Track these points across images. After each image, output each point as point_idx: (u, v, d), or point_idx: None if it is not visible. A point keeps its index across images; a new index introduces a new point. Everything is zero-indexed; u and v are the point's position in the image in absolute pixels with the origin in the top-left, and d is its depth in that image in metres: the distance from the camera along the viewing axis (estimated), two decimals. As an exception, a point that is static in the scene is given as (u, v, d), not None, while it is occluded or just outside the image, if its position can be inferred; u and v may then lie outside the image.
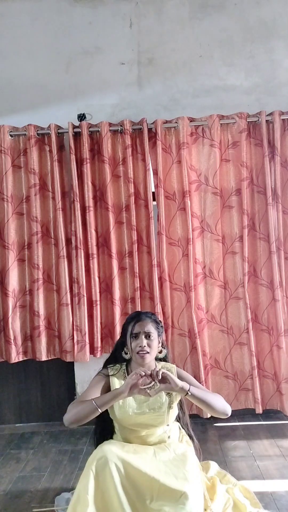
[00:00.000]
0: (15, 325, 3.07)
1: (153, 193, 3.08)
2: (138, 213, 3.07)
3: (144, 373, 1.81)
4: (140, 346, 1.97)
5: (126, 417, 1.93)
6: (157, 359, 2.11)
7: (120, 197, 3.08)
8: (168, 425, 2.01)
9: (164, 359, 2.14)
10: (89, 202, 3.02)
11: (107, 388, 2.00)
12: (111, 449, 1.79)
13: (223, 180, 3.08)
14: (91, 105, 3.20)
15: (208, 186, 3.07)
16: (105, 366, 2.13)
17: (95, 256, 3.04)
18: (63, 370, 3.27)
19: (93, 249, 3.03)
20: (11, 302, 3.03)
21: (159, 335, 2.06)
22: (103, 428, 2.07)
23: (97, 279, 3.05)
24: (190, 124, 3.04)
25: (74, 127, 3.02)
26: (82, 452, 2.80)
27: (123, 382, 1.96)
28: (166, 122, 3.04)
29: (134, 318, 2.06)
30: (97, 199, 3.09)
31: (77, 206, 3.01)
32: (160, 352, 2.08)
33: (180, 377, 1.96)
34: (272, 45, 3.18)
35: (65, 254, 3.03)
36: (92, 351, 3.07)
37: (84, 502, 1.71)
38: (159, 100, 3.21)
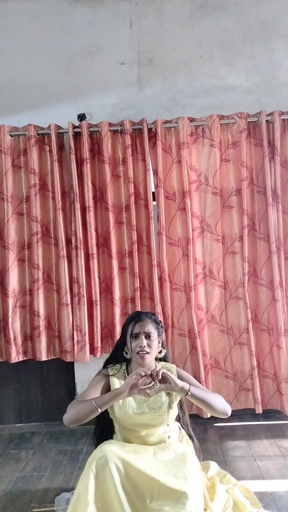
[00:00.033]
0: (15, 325, 3.07)
1: (153, 193, 3.08)
2: (138, 213, 3.07)
3: (144, 373, 1.81)
4: (140, 346, 1.97)
5: (126, 417, 1.93)
6: (157, 359, 2.11)
7: (120, 197, 3.08)
8: (168, 425, 2.01)
9: (164, 359, 2.14)
10: (89, 202, 3.02)
11: (107, 388, 2.00)
12: (111, 449, 1.79)
13: (223, 180, 3.08)
14: (91, 105, 3.20)
15: (208, 186, 3.07)
16: (105, 366, 2.13)
17: (95, 256, 3.04)
18: (63, 370, 3.27)
19: (93, 249, 3.03)
20: (11, 302, 3.03)
21: (159, 335, 2.06)
22: (103, 428, 2.07)
23: (97, 279, 3.05)
24: (190, 124, 3.04)
25: (74, 127, 3.02)
26: (82, 452, 2.80)
27: (123, 382, 1.96)
28: (166, 122, 3.04)
29: (134, 318, 2.06)
30: (97, 199, 3.09)
31: (77, 206, 3.01)
32: (160, 352, 2.08)
33: (180, 377, 1.96)
34: (272, 45, 3.18)
35: (65, 254, 3.03)
36: (92, 351, 3.07)
37: (84, 502, 1.71)
38: (159, 100, 3.21)
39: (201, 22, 3.20)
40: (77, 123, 3.09)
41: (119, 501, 1.70)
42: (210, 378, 3.08)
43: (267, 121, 3.01)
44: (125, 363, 2.10)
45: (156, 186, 3.04)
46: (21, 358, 3.11)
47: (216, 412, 1.95)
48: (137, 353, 1.97)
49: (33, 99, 3.21)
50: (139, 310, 2.98)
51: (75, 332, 3.04)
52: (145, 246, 3.07)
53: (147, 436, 1.96)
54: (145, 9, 3.21)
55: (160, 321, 2.13)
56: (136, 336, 2.00)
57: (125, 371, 2.07)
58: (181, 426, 2.16)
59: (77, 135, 3.04)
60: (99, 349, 3.06)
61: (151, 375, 1.83)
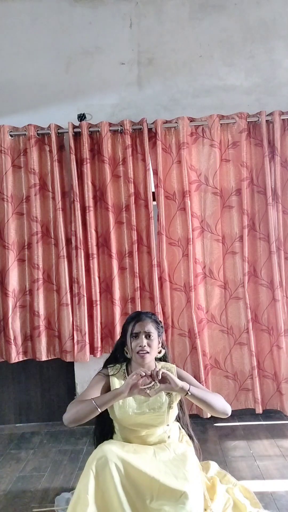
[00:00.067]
0: (15, 325, 3.07)
1: (153, 193, 3.08)
2: (138, 213, 3.07)
3: (144, 373, 1.81)
4: (140, 346, 1.97)
5: (126, 417, 1.93)
6: (157, 359, 2.11)
7: (120, 197, 3.08)
8: (168, 425, 2.01)
9: (164, 359, 2.14)
10: (89, 202, 3.02)
11: (107, 388, 2.00)
12: (111, 449, 1.79)
13: (223, 180, 3.08)
14: (91, 105, 3.20)
15: (208, 186, 3.07)
16: (105, 366, 2.13)
17: (95, 256, 3.04)
18: (63, 370, 3.27)
19: (93, 249, 3.03)
20: (11, 302, 3.03)
21: (159, 335, 2.06)
22: (103, 428, 2.07)
23: (97, 279, 3.05)
24: (190, 124, 3.04)
25: (74, 127, 3.02)
26: (82, 452, 2.80)
27: (123, 382, 1.96)
28: (166, 122, 3.04)
29: (134, 318, 2.06)
30: (97, 199, 3.09)
31: (77, 206, 3.01)
32: (160, 352, 2.08)
33: (180, 377, 1.96)
34: (272, 45, 3.18)
35: (65, 254, 3.03)
36: (92, 351, 3.07)
37: (84, 502, 1.71)
38: (159, 100, 3.21)
39: (201, 22, 3.20)
40: (77, 123, 3.09)
41: (119, 501, 1.70)
42: (210, 378, 3.08)
43: (267, 121, 3.01)
44: (125, 363, 2.10)
45: (156, 186, 3.04)
46: (21, 358, 3.11)
47: (216, 412, 1.95)
48: (137, 352, 1.97)
49: (33, 99, 3.21)
50: (139, 310, 2.98)
51: (75, 332, 3.04)
52: (145, 246, 3.07)
53: (147, 436, 1.96)
54: (145, 9, 3.21)
55: (160, 321, 2.13)
56: (136, 336, 2.00)
57: (125, 371, 2.07)
58: (181, 426, 2.16)
59: (77, 135, 3.05)
60: (99, 349, 3.06)
61: (151, 375, 1.83)
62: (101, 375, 2.05)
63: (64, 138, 3.11)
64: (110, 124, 3.05)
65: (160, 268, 3.04)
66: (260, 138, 3.02)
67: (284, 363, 3.00)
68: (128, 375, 2.01)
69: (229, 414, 1.98)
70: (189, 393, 1.86)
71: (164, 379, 1.83)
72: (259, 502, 2.12)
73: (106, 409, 1.90)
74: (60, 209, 3.02)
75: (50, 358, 3.12)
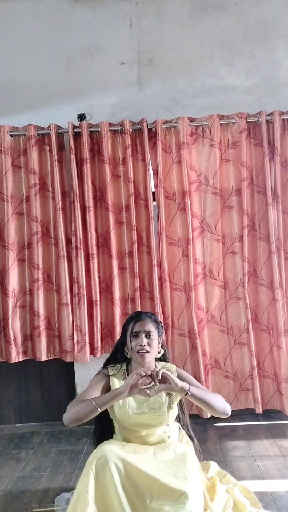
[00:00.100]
0: (15, 325, 3.06)
1: (153, 193, 3.08)
2: (138, 213, 3.07)
3: (144, 373, 1.81)
4: (140, 345, 1.97)
5: (126, 417, 1.93)
6: (157, 359, 2.11)
7: (120, 197, 3.08)
8: (168, 425, 2.01)
9: (164, 359, 2.14)
10: (89, 202, 3.02)
11: (107, 388, 2.00)
12: (111, 449, 1.79)
13: (223, 180, 3.08)
14: (91, 105, 3.20)
15: (208, 186, 3.07)
16: (105, 366, 2.13)
17: (95, 256, 3.04)
18: (63, 370, 3.27)
19: (93, 249, 3.03)
20: (11, 302, 3.03)
21: (159, 335, 2.06)
22: (103, 428, 2.07)
23: (97, 279, 3.05)
24: (190, 124, 3.04)
25: (74, 127, 3.02)
26: (82, 452, 2.80)
27: (123, 382, 1.96)
28: (166, 122, 3.04)
29: (134, 317, 2.06)
30: (97, 199, 3.09)
31: (77, 206, 3.01)
32: (159, 352, 2.08)
33: (180, 377, 1.96)
34: (272, 45, 3.18)
35: (65, 254, 3.03)
36: (92, 351, 3.07)
37: (84, 502, 1.71)
38: (159, 100, 3.21)
39: (201, 22, 3.20)
40: (77, 123, 3.09)
41: (119, 500, 1.70)
42: (210, 378, 3.08)
43: (267, 121, 3.01)
44: (125, 363, 2.10)
45: (156, 186, 3.04)
46: (21, 358, 3.11)
47: (216, 412, 1.95)
48: (137, 352, 1.97)
49: (33, 99, 3.21)
50: (139, 310, 2.98)
51: (75, 332, 3.03)
52: (145, 246, 3.07)
53: (147, 436, 1.96)
54: (145, 9, 3.21)
55: (160, 321, 2.13)
56: (136, 335, 2.00)
57: (125, 371, 2.07)
58: (181, 426, 2.16)
59: (77, 135, 3.05)
60: (99, 349, 3.06)
61: (151, 375, 1.83)
62: (101, 375, 2.05)
63: (64, 138, 3.11)
64: (110, 124, 3.05)
65: (160, 268, 3.04)
66: (260, 138, 3.02)
67: (284, 363, 3.00)
68: (128, 375, 2.01)
69: (229, 414, 1.98)
70: (189, 393, 1.86)
71: (164, 379, 1.83)
72: (259, 502, 2.12)
73: (106, 409, 1.90)
74: (60, 209, 3.02)
75: (50, 358, 3.12)
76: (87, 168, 3.02)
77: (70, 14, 3.21)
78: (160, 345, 2.08)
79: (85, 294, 3.02)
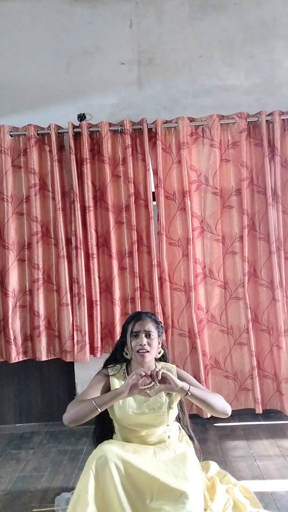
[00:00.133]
0: (15, 325, 3.06)
1: (153, 193, 3.08)
2: (138, 213, 3.07)
3: (144, 373, 1.81)
4: (140, 345, 1.97)
5: (126, 417, 1.93)
6: (157, 359, 2.11)
7: (120, 197, 3.08)
8: (168, 425, 2.01)
9: (164, 360, 2.14)
10: (89, 202, 3.02)
11: (107, 388, 2.00)
12: (111, 449, 1.79)
13: (223, 180, 3.08)
14: (91, 105, 3.20)
15: (208, 186, 3.07)
16: (105, 366, 2.13)
17: (95, 256, 3.04)
18: (63, 370, 3.27)
19: (93, 249, 3.03)
20: (11, 302, 3.03)
21: (159, 335, 2.06)
22: (103, 428, 2.07)
23: (97, 279, 3.05)
24: (190, 124, 3.04)
25: (74, 127, 3.02)
26: (82, 452, 2.80)
27: (123, 382, 1.96)
28: (166, 122, 3.04)
29: (134, 317, 2.07)
30: (97, 199, 3.09)
31: (77, 206, 3.01)
32: (159, 353, 2.08)
33: (180, 377, 1.96)
34: (272, 45, 3.18)
35: (65, 254, 3.03)
36: (92, 351, 3.07)
37: (84, 502, 1.71)
38: (159, 100, 3.21)
39: (201, 22, 3.20)
40: (77, 123, 3.09)
41: (119, 500, 1.70)
42: (210, 378, 3.08)
43: (267, 121, 3.01)
44: (125, 363, 2.10)
45: (156, 186, 3.04)
46: (21, 358, 3.11)
47: (216, 412, 1.96)
48: (137, 351, 1.97)
49: (33, 99, 3.21)
50: (139, 310, 2.98)
51: (75, 332, 3.03)
52: (145, 246, 3.07)
53: (147, 436, 1.96)
54: (145, 9, 3.21)
55: (160, 321, 2.13)
56: (136, 335, 2.00)
57: (125, 371, 2.07)
58: (181, 426, 2.16)
59: (77, 135, 3.05)
60: (99, 349, 3.06)
61: (151, 375, 1.83)
62: (101, 375, 2.05)
63: (64, 138, 3.11)
64: (110, 124, 3.05)
65: (160, 268, 3.04)
66: (260, 138, 3.02)
67: (284, 363, 3.00)
68: (128, 375, 2.01)
69: (229, 414, 1.98)
70: (189, 393, 1.86)
71: (164, 379, 1.83)
72: (259, 502, 2.12)
73: (106, 409, 1.90)
74: (60, 209, 3.02)
75: (50, 358, 3.12)
76: (87, 168, 3.02)
77: (70, 14, 3.21)
78: (160, 345, 2.08)
79: (85, 294, 3.02)
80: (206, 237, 3.09)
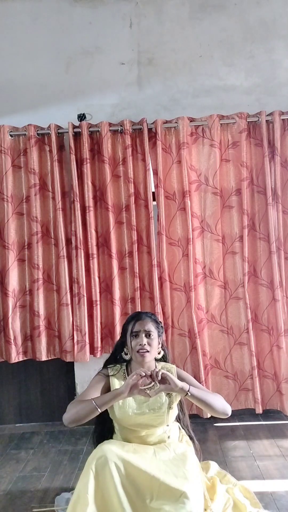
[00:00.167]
0: (15, 325, 3.06)
1: (153, 193, 3.08)
2: (138, 213, 3.07)
3: (144, 374, 1.81)
4: (140, 345, 1.97)
5: (126, 417, 1.93)
6: (157, 359, 2.11)
7: (120, 197, 3.08)
8: (168, 425, 2.01)
9: (164, 360, 2.14)
10: (89, 202, 3.02)
11: (107, 388, 2.00)
12: (111, 449, 1.79)
13: (223, 180, 3.08)
14: (91, 105, 3.20)
15: (208, 186, 3.07)
16: (105, 366, 2.13)
17: (95, 256, 3.04)
18: (63, 370, 3.27)
19: (93, 249, 3.03)
20: (11, 302, 3.03)
21: (159, 336, 2.06)
22: (103, 428, 2.07)
23: (97, 279, 3.05)
24: (190, 124, 3.04)
25: (74, 127, 3.02)
26: (82, 452, 2.80)
27: (123, 382, 1.96)
28: (166, 122, 3.04)
29: (134, 317, 2.07)
30: (97, 199, 3.09)
31: (77, 206, 3.01)
32: (159, 353, 2.08)
33: (180, 378, 1.96)
34: (272, 45, 3.18)
35: (65, 254, 3.03)
36: (92, 351, 3.07)
37: (84, 502, 1.71)
38: (159, 100, 3.21)
39: (201, 22, 3.20)
40: (77, 123, 3.09)
41: (119, 500, 1.70)
42: (210, 378, 3.08)
43: (267, 121, 3.01)
44: (125, 363, 2.10)
45: (156, 186, 3.04)
46: (21, 358, 3.11)
47: (216, 413, 1.95)
48: (138, 351, 1.97)
49: (33, 99, 3.21)
50: (139, 310, 2.98)
51: (75, 332, 3.03)
52: (145, 246, 3.07)
53: (147, 436, 1.96)
54: (145, 9, 3.21)
55: (160, 321, 2.13)
56: (136, 335, 2.00)
57: (125, 371, 2.07)
58: (181, 426, 2.16)
59: (77, 135, 3.05)
60: (99, 349, 3.06)
61: (151, 376, 1.83)
62: (101, 375, 2.05)
63: (64, 138, 3.11)
64: (110, 124, 3.05)
65: (160, 268, 3.04)
66: (260, 138, 3.02)
67: (284, 363, 3.00)
68: (128, 376, 2.01)
69: (229, 414, 1.98)
70: (189, 394, 1.86)
71: (163, 380, 1.83)
72: (259, 502, 2.12)
73: (106, 409, 1.90)
74: (60, 209, 3.02)
75: (50, 358, 3.12)
76: (87, 168, 3.02)
77: (70, 14, 3.21)
78: (160, 345, 2.08)
79: (85, 294, 3.02)
80: (206, 237, 3.09)
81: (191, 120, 3.04)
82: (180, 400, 2.09)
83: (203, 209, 3.09)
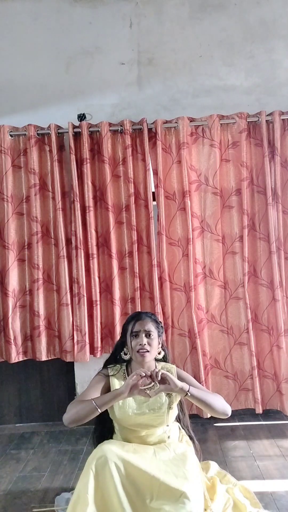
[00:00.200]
0: (15, 325, 3.07)
1: (153, 193, 3.08)
2: (138, 213, 3.07)
3: (144, 374, 1.81)
4: (140, 345, 1.97)
5: (126, 418, 1.93)
6: (157, 359, 2.11)
7: (120, 197, 3.08)
8: (168, 425, 2.01)
9: (164, 360, 2.14)
10: (89, 202, 3.02)
11: (107, 389, 2.00)
12: (111, 449, 1.79)
13: (223, 180, 3.08)
14: (91, 105, 3.20)
15: (208, 186, 3.07)
16: (105, 366, 2.13)
17: (95, 256, 3.04)
18: (63, 370, 3.27)
19: (93, 249, 3.03)
20: (11, 302, 3.03)
21: (159, 336, 2.06)
22: (103, 428, 2.07)
23: (97, 279, 3.05)
24: (190, 124, 3.04)
25: (74, 127, 3.02)
26: (82, 452, 2.80)
27: (123, 382, 1.96)
28: (166, 122, 3.04)
29: (134, 317, 2.07)
30: (97, 199, 3.09)
31: (77, 206, 3.01)
32: (160, 353, 2.08)
33: (180, 378, 1.96)
34: (272, 45, 3.18)
35: (65, 254, 3.03)
36: (92, 351, 3.07)
37: (84, 502, 1.71)
38: (159, 100, 3.21)
39: (201, 22, 3.20)
40: (77, 123, 3.09)
41: (119, 500, 1.70)
42: (210, 378, 3.08)
43: (267, 121, 3.01)
44: (125, 363, 2.10)
45: (156, 186, 3.04)
46: (21, 358, 3.11)
47: (216, 413, 1.95)
48: (138, 351, 1.97)
49: (33, 99, 3.21)
50: (139, 310, 2.98)
51: (75, 332, 3.03)
52: (145, 246, 3.07)
53: (147, 436, 1.96)
54: (145, 9, 3.21)
55: (160, 321, 2.13)
56: (136, 335, 2.00)
57: (125, 371, 2.07)
58: (181, 427, 2.16)
59: (77, 135, 3.05)
60: (99, 349, 3.06)
61: (150, 376, 1.83)
62: (101, 376, 2.05)
63: (64, 138, 3.11)
64: (110, 124, 3.05)
65: (160, 268, 3.04)
66: (260, 138, 3.02)
67: (284, 363, 3.00)
68: (128, 376, 2.01)
69: (229, 414, 1.97)
70: (189, 394, 1.86)
71: (163, 380, 1.83)
72: (259, 502, 2.12)
73: (106, 409, 1.90)
74: (60, 209, 3.02)
75: (50, 358, 3.12)
76: (87, 168, 3.02)
77: (70, 14, 3.21)
78: (160, 345, 2.08)
79: (85, 294, 3.02)
80: (206, 237, 3.09)
81: (191, 120, 3.04)
82: (180, 400, 2.09)
83: (203, 209, 3.09)
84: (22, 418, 3.30)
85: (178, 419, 2.13)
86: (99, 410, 1.82)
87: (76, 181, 3.01)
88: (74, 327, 3.04)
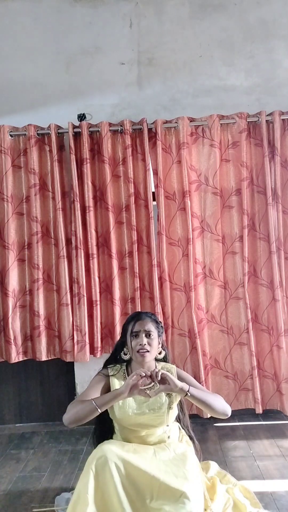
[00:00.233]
0: (15, 325, 3.06)
1: (153, 193, 3.08)
2: (138, 213, 3.07)
3: (144, 374, 1.81)
4: (140, 345, 1.97)
5: (126, 418, 1.93)
6: (157, 359, 2.11)
7: (120, 197, 3.08)
8: (168, 425, 2.01)
9: (164, 360, 2.14)
10: (89, 202, 3.02)
11: (107, 389, 2.00)
12: (111, 449, 1.79)
13: (223, 180, 3.08)
14: (91, 105, 3.20)
15: (208, 186, 3.07)
16: (105, 366, 2.13)
17: (95, 256, 3.04)
18: (63, 370, 3.27)
19: (93, 249, 3.03)
20: (11, 302, 3.03)
21: (159, 336, 2.06)
22: (103, 428, 2.08)
23: (97, 279, 3.05)
24: (190, 124, 3.04)
25: (74, 127, 3.02)
26: (82, 452, 2.80)
27: (123, 382, 1.96)
28: (166, 122, 3.04)
29: (134, 317, 2.07)
30: (97, 199, 3.09)
31: (77, 206, 3.01)
32: (160, 353, 2.08)
33: (180, 378, 1.96)
34: (272, 45, 3.18)
35: (65, 254, 3.03)
36: (92, 351, 3.07)
37: (84, 502, 1.71)
38: (159, 100, 3.21)
39: (201, 22, 3.20)
40: (77, 123, 3.09)
41: (119, 500, 1.70)
42: (210, 378, 3.08)
43: (267, 121, 3.01)
44: (125, 363, 2.10)
45: (156, 186, 3.04)
46: (21, 358, 3.11)
47: (216, 413, 1.95)
48: (138, 351, 1.97)
49: (33, 99, 3.21)
50: (139, 310, 2.98)
51: (75, 332, 3.04)
52: (145, 246, 3.07)
53: (147, 436, 1.96)
54: (145, 9, 3.21)
55: (160, 321, 2.13)
56: (136, 335, 2.00)
57: (125, 371, 2.07)
58: (181, 427, 2.16)
59: (77, 135, 3.04)
60: (99, 349, 3.06)
61: (150, 376, 1.83)
62: (101, 376, 2.05)
63: (64, 138, 3.11)
64: (110, 124, 3.05)
65: (160, 268, 3.04)
66: (260, 138, 3.02)
67: (284, 363, 3.00)
68: (128, 376, 2.01)
69: (229, 414, 1.97)
70: (189, 394, 1.86)
71: (163, 380, 1.83)
72: (259, 502, 2.12)
73: (106, 409, 1.90)
74: (60, 209, 3.02)
75: (50, 358, 3.12)
76: (87, 168, 3.02)
77: (70, 14, 3.21)
78: (160, 345, 2.08)
79: (85, 294, 3.02)
80: (206, 237, 3.09)
81: (191, 120, 3.04)
82: (180, 400, 2.09)
83: (203, 209, 3.09)
84: (22, 418, 3.30)
85: (178, 419, 2.13)
86: (99, 410, 1.82)
87: (76, 181, 3.01)
88: (74, 327, 3.04)
